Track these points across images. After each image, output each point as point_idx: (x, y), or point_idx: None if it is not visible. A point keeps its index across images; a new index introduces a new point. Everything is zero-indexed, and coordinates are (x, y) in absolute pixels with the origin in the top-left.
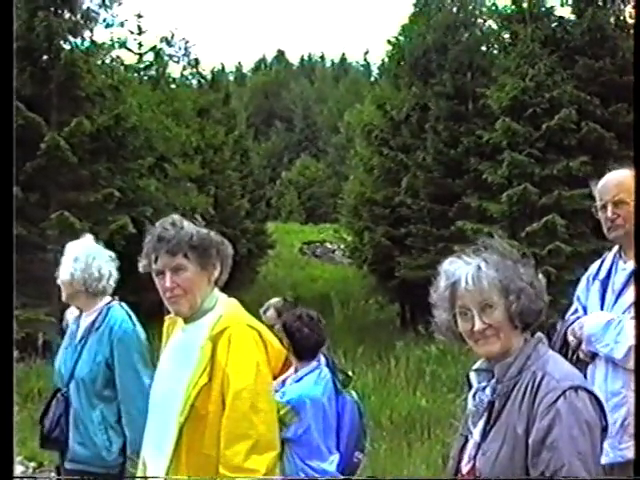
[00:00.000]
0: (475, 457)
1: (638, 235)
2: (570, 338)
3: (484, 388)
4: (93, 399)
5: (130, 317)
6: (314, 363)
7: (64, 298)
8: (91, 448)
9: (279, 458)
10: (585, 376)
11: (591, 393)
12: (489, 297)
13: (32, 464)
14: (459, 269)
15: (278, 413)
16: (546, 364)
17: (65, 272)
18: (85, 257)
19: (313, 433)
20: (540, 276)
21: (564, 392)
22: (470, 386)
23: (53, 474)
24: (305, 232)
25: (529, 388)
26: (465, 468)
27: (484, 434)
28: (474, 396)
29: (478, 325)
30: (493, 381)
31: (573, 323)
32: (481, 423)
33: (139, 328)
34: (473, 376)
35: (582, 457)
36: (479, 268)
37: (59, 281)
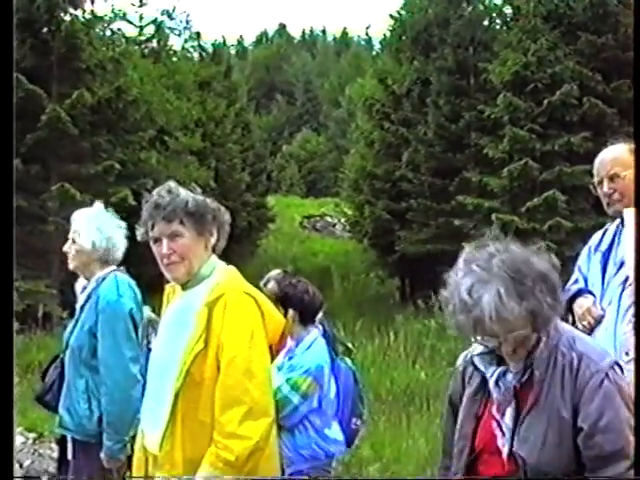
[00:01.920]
0: (512, 443)
1: (638, 233)
2: (583, 323)
3: (504, 373)
4: (81, 367)
5: (118, 287)
6: (317, 329)
7: (73, 266)
8: (74, 416)
9: (290, 432)
10: None
11: (617, 363)
12: (515, 327)
13: (32, 435)
14: (479, 299)
15: (300, 388)
16: (573, 343)
17: (86, 241)
18: (109, 227)
19: (331, 399)
20: (554, 261)
21: (607, 373)
22: (476, 369)
23: (53, 444)
24: (305, 206)
25: (567, 371)
26: (504, 451)
27: (517, 420)
28: (497, 382)
29: (506, 349)
30: (518, 366)
31: (571, 296)
32: (510, 409)
33: (125, 299)
34: (478, 360)
35: (632, 432)
36: (500, 298)
37: (75, 248)
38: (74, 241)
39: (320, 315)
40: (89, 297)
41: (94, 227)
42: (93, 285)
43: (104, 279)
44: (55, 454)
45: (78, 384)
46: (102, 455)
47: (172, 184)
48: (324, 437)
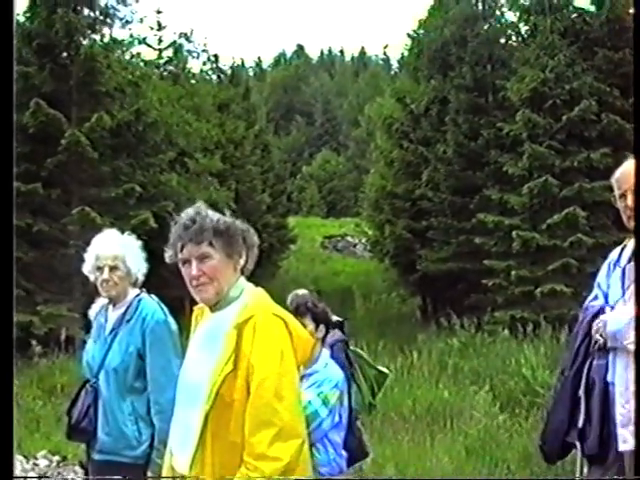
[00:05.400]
0: None
1: (638, 232)
2: (596, 337)
3: None
4: (123, 390)
5: (162, 308)
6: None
7: (116, 293)
8: (120, 439)
9: (309, 450)
10: (607, 365)
11: None
12: None
13: (56, 458)
14: None
15: (329, 402)
16: None
17: (133, 266)
18: (142, 251)
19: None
20: None
21: None
22: None
23: (77, 468)
24: (326, 226)
25: None
26: None
27: None
28: None
29: None
30: None
31: (594, 313)
32: None
33: (170, 319)
34: None
35: None
36: None
37: (119, 275)
38: (116, 268)
39: (342, 336)
40: (124, 319)
41: (135, 252)
42: (124, 308)
43: (139, 301)
44: (79, 477)
45: (123, 407)
46: (149, 474)
47: (201, 206)
48: (340, 454)
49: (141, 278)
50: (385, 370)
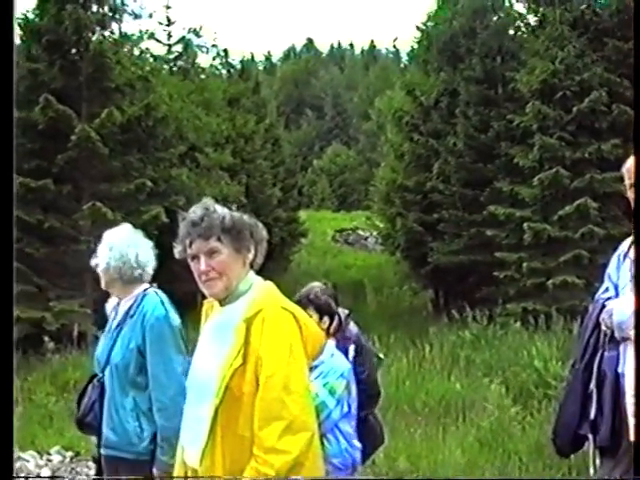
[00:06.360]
0: None
1: (638, 230)
2: (603, 328)
3: None
4: (126, 386)
5: (163, 303)
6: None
7: (103, 286)
8: (122, 434)
9: (320, 443)
10: (617, 356)
11: None
12: None
13: (69, 453)
14: None
15: (336, 392)
16: None
17: (102, 261)
18: (121, 246)
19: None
20: None
21: None
22: None
23: (90, 463)
24: (337, 220)
25: None
26: None
27: None
28: None
29: None
30: None
31: (603, 306)
32: None
33: (172, 315)
34: None
35: None
36: None
37: (98, 270)
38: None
39: (356, 329)
40: (128, 315)
41: (106, 247)
42: (130, 303)
43: (144, 296)
44: (92, 472)
45: (125, 402)
46: (155, 471)
47: (208, 201)
48: (352, 444)
49: (134, 274)
50: (382, 356)
